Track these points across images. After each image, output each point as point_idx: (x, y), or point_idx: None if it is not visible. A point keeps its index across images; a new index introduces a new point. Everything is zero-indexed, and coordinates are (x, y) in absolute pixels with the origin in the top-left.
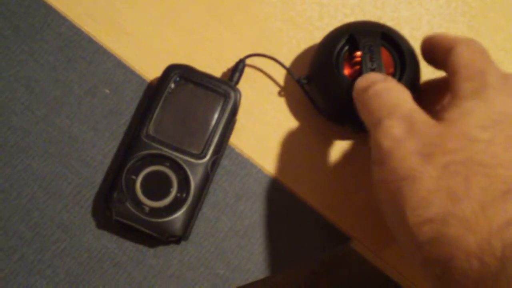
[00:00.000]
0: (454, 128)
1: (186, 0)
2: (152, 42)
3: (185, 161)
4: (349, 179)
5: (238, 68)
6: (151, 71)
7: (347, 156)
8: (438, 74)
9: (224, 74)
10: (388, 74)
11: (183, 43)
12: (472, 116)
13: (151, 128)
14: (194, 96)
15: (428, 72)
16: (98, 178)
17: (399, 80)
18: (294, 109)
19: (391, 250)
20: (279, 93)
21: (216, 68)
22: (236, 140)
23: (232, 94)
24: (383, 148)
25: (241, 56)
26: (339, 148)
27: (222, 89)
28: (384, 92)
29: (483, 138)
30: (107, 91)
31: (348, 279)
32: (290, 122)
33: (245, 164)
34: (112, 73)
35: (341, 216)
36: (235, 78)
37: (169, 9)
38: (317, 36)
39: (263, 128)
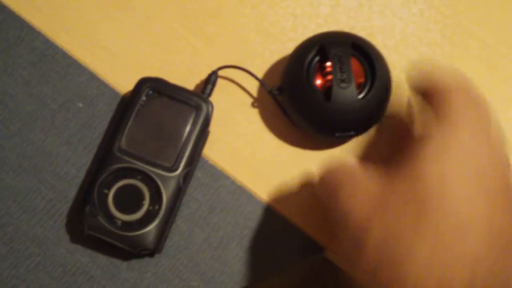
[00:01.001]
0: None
1: (159, 13)
2: (126, 55)
3: (157, 174)
4: None
5: (210, 80)
6: (125, 84)
7: (319, 166)
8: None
9: (197, 86)
10: (358, 83)
11: (156, 55)
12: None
13: (123, 142)
14: (166, 109)
15: (399, 82)
16: (72, 192)
17: (370, 89)
18: (267, 120)
19: None
20: (252, 104)
21: (190, 80)
22: (210, 152)
23: (204, 106)
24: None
25: (215, 67)
26: (312, 158)
27: (194, 101)
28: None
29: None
30: (80, 105)
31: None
32: (263, 133)
33: (219, 176)
34: (85, 86)
35: (315, 226)
36: (207, 91)
37: (142, 22)
38: (290, 47)
39: (236, 139)
